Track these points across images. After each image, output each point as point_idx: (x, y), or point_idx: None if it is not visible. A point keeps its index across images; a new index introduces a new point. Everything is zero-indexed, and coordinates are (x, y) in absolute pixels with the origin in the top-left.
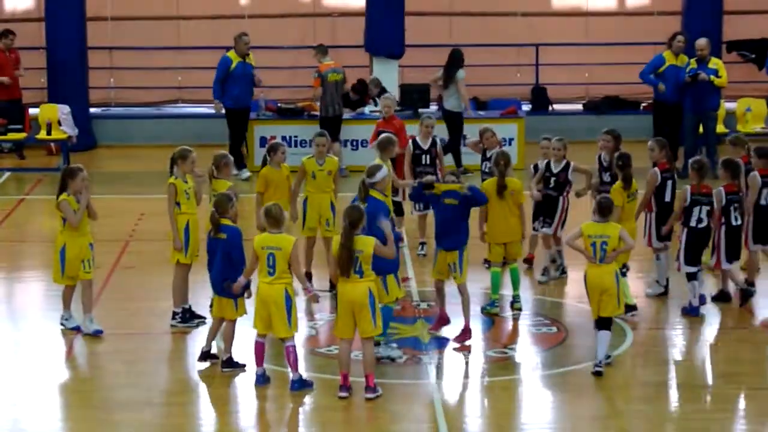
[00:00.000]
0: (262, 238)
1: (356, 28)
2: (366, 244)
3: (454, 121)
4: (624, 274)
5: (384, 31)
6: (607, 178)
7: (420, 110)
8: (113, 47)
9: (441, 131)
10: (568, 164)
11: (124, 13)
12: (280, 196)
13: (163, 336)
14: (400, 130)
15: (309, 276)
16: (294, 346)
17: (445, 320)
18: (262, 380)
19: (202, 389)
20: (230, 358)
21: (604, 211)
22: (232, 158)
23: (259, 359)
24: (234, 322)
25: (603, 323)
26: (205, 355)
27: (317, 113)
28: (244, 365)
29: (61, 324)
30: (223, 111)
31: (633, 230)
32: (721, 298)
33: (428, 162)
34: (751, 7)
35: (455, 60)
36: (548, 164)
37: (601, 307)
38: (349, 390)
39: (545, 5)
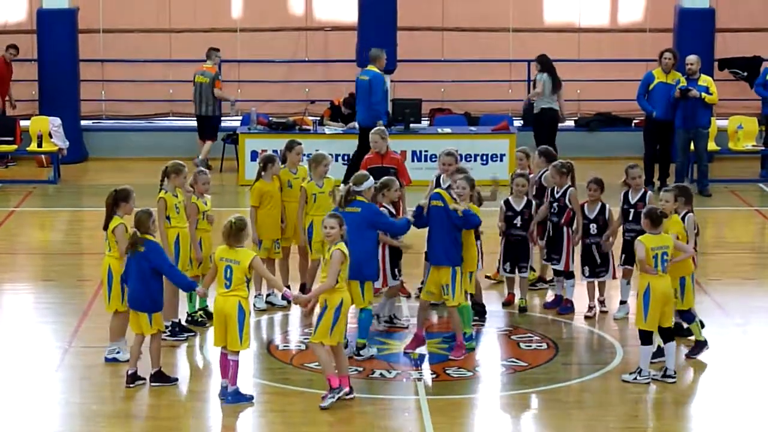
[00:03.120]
0: (221, 249)
1: (348, 42)
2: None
3: (556, 121)
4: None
5: (376, 46)
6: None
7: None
8: (105, 60)
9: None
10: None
11: (116, 25)
12: (272, 208)
13: None
14: (401, 167)
15: (303, 288)
16: (237, 361)
17: (421, 341)
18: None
19: (189, 403)
20: (159, 372)
21: (657, 221)
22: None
23: (224, 371)
24: (158, 336)
25: (668, 334)
26: (133, 377)
27: (309, 128)
28: (176, 379)
29: (113, 359)
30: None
31: None
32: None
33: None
34: (744, 25)
35: (552, 64)
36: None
37: (663, 319)
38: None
39: (537, 21)
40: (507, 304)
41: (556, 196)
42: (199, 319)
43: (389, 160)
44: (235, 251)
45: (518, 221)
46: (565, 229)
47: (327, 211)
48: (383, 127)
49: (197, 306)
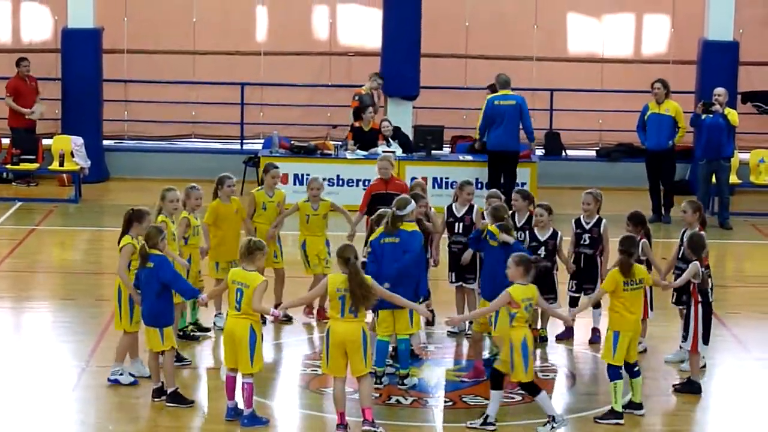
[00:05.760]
0: (233, 272)
1: (371, 68)
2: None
3: None
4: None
5: (399, 72)
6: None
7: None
8: (128, 80)
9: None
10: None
11: (140, 46)
12: (228, 229)
13: None
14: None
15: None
16: (251, 384)
17: (480, 373)
18: (233, 413)
19: (206, 425)
20: (175, 392)
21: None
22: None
23: (230, 393)
24: (171, 353)
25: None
26: (159, 392)
27: (330, 152)
28: (192, 402)
29: (116, 380)
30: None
31: None
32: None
33: (461, 231)
34: None
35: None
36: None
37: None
38: (347, 428)
39: (561, 51)
40: None
41: (587, 227)
42: (191, 334)
43: (393, 186)
44: (246, 275)
45: (542, 252)
46: (598, 258)
47: (320, 232)
48: (390, 154)
49: (188, 321)
